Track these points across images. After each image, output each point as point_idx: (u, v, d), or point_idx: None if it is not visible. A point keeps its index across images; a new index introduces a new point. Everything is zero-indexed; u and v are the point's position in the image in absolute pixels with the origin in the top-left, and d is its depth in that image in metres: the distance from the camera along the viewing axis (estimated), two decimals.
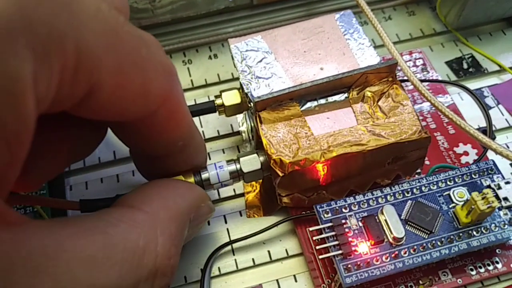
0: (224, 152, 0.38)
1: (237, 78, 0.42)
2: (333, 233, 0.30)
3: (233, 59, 0.35)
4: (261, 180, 0.36)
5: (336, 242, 0.30)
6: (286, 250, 0.34)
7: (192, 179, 0.32)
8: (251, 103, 0.32)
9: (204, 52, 0.44)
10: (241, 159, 0.32)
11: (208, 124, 0.39)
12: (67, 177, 0.37)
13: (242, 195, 0.36)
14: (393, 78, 0.33)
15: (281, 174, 0.30)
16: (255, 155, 0.32)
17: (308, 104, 0.33)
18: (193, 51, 0.44)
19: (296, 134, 0.31)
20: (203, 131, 0.39)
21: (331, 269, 0.32)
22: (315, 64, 0.34)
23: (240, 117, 0.39)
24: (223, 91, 0.35)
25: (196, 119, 0.39)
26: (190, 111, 0.34)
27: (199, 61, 0.43)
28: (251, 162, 0.32)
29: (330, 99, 0.33)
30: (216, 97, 0.35)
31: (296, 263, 0.34)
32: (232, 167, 0.32)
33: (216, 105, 0.35)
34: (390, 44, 0.35)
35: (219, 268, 0.33)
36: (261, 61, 0.34)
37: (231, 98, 0.35)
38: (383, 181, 0.34)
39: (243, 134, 0.38)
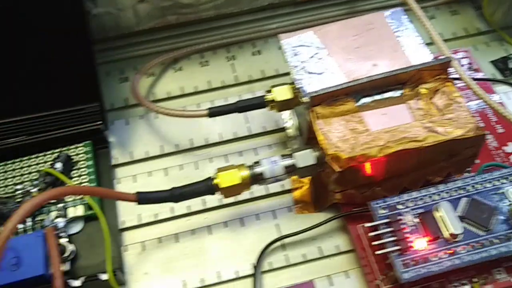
0: (271, 148, 0.38)
1: (282, 75, 0.42)
2: (390, 229, 0.30)
3: (284, 54, 0.35)
4: (310, 177, 0.36)
5: (393, 238, 0.30)
6: (337, 246, 0.34)
7: (247, 173, 0.32)
8: (305, 98, 0.32)
9: (247, 48, 0.44)
10: (295, 154, 0.32)
11: (254, 120, 0.39)
12: (115, 168, 0.37)
13: (289, 191, 0.36)
14: (446, 75, 0.33)
15: (338, 170, 0.30)
16: (310, 150, 0.32)
17: (363, 100, 0.33)
18: (236, 48, 0.44)
19: (352, 130, 0.31)
20: (249, 127, 0.39)
21: (385, 265, 0.32)
22: (367, 60, 0.34)
23: (285, 113, 0.39)
24: (274, 86, 0.35)
25: (241, 115, 0.39)
26: (241, 106, 0.34)
27: (242, 57, 0.43)
28: (305, 158, 0.32)
29: (385, 95, 0.33)
30: (267, 92, 0.35)
31: (347, 259, 0.34)
32: (286, 162, 0.32)
33: (266, 100, 0.35)
34: (441, 42, 0.35)
35: (270, 263, 0.33)
36: (313, 56, 0.34)
37: (283, 93, 0.35)
38: (435, 179, 0.34)
39: (289, 131, 0.38)
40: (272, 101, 0.35)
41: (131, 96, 0.40)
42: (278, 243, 0.34)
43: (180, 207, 0.36)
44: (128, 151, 0.38)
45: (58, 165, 0.35)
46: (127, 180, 0.37)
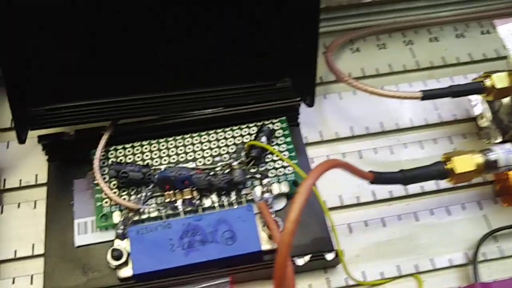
0: (465, 137, 0.37)
1: (464, 63, 0.41)
2: None
3: (502, 40, 0.34)
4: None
5: None
6: None
7: (480, 159, 0.31)
8: None
9: (423, 34, 0.43)
10: None
11: (443, 107, 0.38)
12: (306, 147, 0.37)
13: (491, 182, 0.35)
14: None
15: None
16: None
17: None
18: (412, 32, 0.43)
19: None
20: (439, 113, 0.38)
21: None
22: None
23: (476, 103, 0.38)
24: (491, 72, 0.34)
25: (429, 102, 0.38)
26: (455, 90, 0.33)
27: (419, 42, 0.42)
28: None
29: None
30: (484, 78, 0.34)
31: None
32: None
33: (485, 86, 0.34)
34: None
35: (483, 253, 0.33)
36: None
37: (503, 80, 0.34)
38: None
39: (482, 121, 0.37)
40: (491, 88, 0.34)
41: None
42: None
43: (382, 191, 0.35)
44: (317, 130, 0.37)
45: (264, 139, 0.34)
46: (321, 160, 0.36)
